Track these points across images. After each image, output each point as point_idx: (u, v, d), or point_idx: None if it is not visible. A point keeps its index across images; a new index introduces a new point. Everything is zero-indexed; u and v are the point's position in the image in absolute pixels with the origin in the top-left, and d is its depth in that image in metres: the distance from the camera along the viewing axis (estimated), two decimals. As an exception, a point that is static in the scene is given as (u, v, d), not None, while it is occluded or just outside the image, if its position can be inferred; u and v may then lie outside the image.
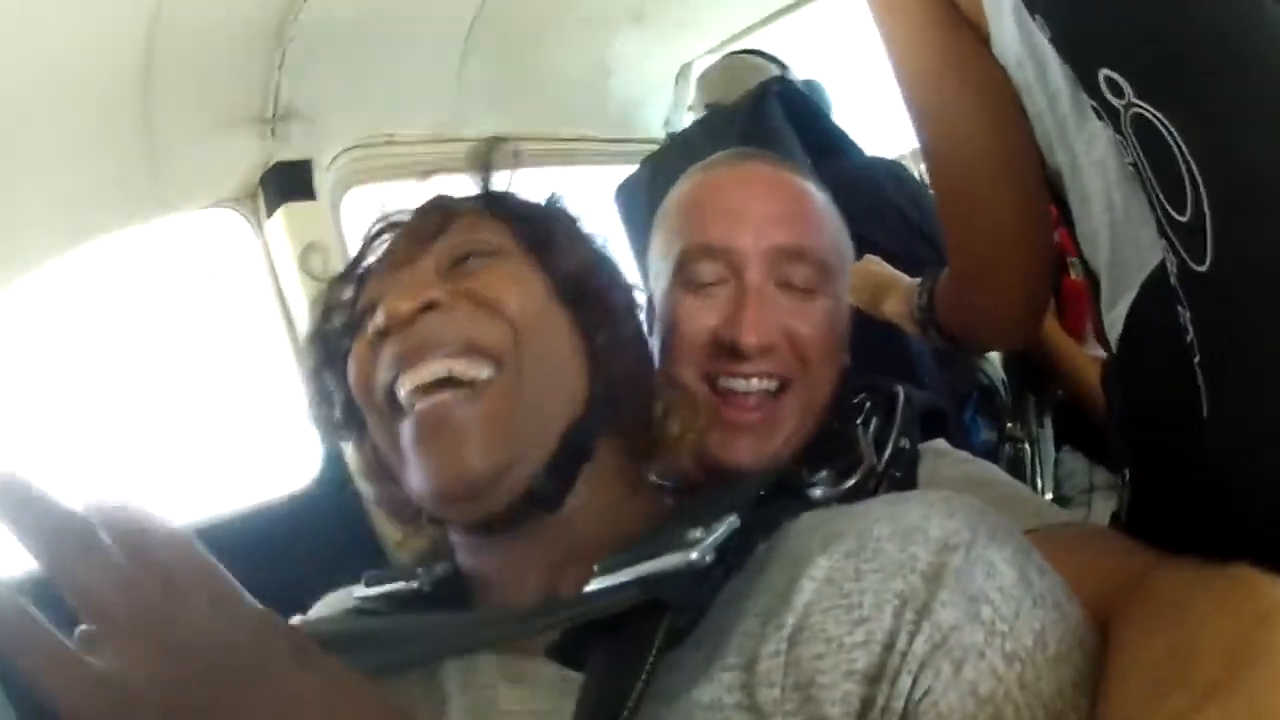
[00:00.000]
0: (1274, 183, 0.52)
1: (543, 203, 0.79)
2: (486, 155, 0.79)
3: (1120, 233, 0.71)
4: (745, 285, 0.88)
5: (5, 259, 1.30)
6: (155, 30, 1.29)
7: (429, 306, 0.65)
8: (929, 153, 0.88)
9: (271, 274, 1.67)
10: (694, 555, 0.52)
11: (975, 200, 0.86)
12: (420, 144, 1.82)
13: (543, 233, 0.74)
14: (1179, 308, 0.58)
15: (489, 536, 0.67)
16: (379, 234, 0.78)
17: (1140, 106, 0.53)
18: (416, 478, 0.64)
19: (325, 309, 0.77)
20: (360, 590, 0.74)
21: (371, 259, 0.77)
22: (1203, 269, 0.53)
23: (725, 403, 0.87)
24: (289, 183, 1.62)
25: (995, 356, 1.72)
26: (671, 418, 0.74)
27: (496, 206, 0.76)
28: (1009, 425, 1.70)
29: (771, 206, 0.91)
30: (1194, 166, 0.51)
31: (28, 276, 1.32)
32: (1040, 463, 1.75)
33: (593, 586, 0.56)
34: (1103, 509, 1.56)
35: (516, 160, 0.80)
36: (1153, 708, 0.41)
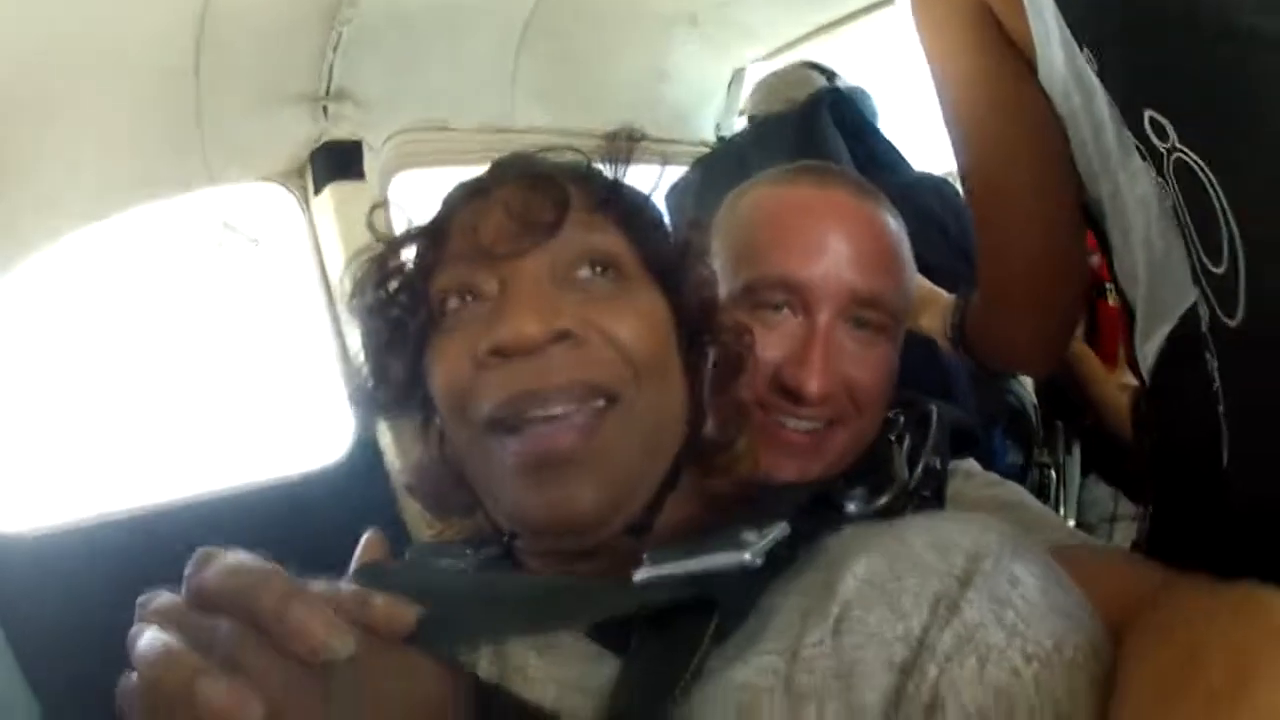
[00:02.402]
0: None
1: (667, 222, 0.73)
2: (628, 148, 0.71)
3: (1157, 271, 0.71)
4: (815, 326, 0.85)
5: (52, 220, 1.33)
6: (210, 3, 1.31)
7: (560, 336, 0.60)
8: (967, 174, 0.88)
9: (316, 251, 1.69)
10: (747, 556, 0.56)
11: (1009, 225, 0.85)
12: (473, 132, 1.84)
13: (673, 262, 0.69)
14: (1207, 355, 0.57)
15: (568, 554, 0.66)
16: (467, 198, 0.69)
17: (1183, 152, 0.53)
18: (516, 503, 0.62)
19: (382, 272, 0.70)
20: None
21: (457, 229, 0.67)
22: (1233, 323, 0.53)
23: (777, 428, 0.86)
24: (338, 162, 1.64)
25: (1028, 380, 1.71)
26: (741, 438, 0.72)
27: (624, 215, 0.68)
28: (1036, 450, 1.70)
29: (855, 245, 0.87)
30: (1231, 219, 0.51)
31: (74, 235, 1.35)
32: (1065, 489, 1.74)
33: (641, 575, 0.58)
34: (1122, 539, 1.56)
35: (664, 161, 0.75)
36: (1160, 716, 0.42)
